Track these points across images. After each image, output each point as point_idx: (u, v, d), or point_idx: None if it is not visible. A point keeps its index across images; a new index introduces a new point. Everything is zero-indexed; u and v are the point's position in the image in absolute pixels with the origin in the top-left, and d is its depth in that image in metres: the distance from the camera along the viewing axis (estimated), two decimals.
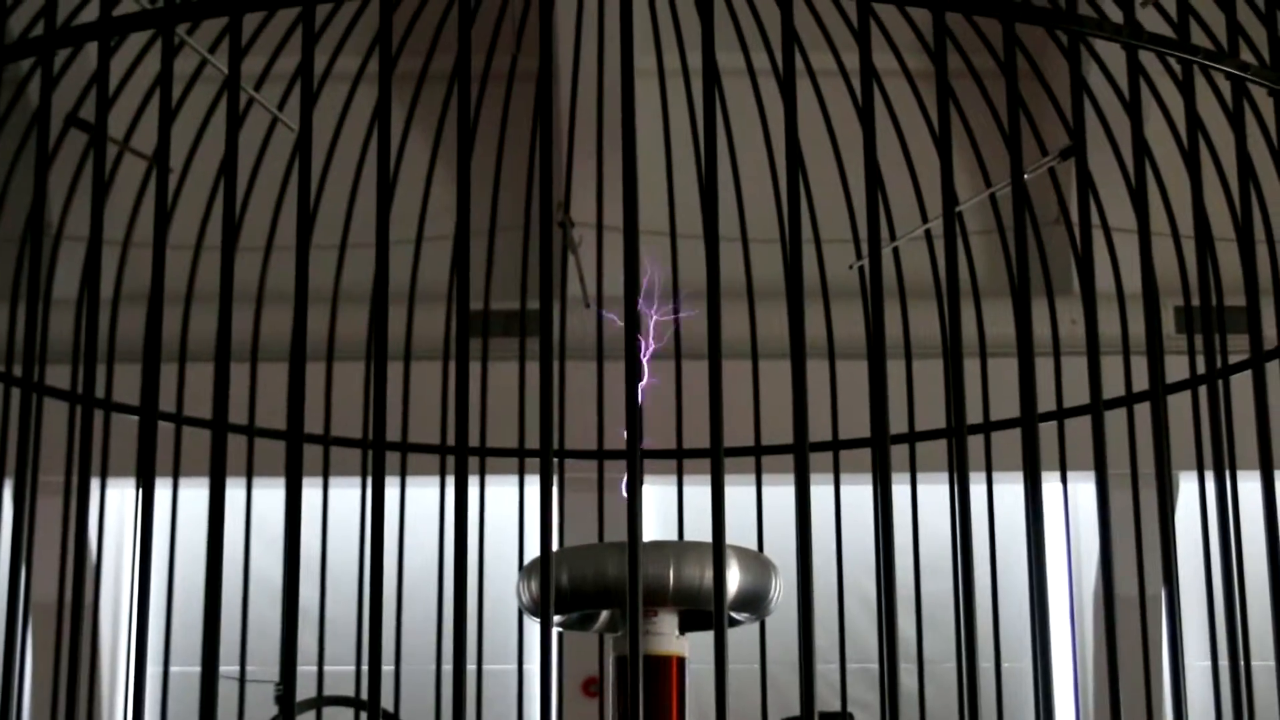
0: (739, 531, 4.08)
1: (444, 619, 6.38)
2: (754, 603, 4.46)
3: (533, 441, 6.64)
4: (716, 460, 3.17)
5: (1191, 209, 3.96)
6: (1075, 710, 6.92)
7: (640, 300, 3.57)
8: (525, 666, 6.65)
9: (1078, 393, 5.02)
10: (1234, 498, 5.09)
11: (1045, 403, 4.70)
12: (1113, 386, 4.96)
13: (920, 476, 6.33)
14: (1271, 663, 3.86)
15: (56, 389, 5.74)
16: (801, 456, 3.18)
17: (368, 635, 3.15)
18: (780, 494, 4.83)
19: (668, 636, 4.41)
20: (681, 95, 6.74)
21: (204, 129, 6.23)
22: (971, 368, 6.07)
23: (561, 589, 4.34)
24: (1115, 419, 5.23)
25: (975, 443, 6.23)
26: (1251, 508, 4.36)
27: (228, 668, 3.74)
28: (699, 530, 4.20)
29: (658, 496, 9.41)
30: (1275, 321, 5.45)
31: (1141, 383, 5.74)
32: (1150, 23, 3.84)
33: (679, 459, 6.70)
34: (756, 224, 6.78)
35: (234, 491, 4.01)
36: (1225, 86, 4.08)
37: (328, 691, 6.27)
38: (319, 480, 6.33)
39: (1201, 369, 5.68)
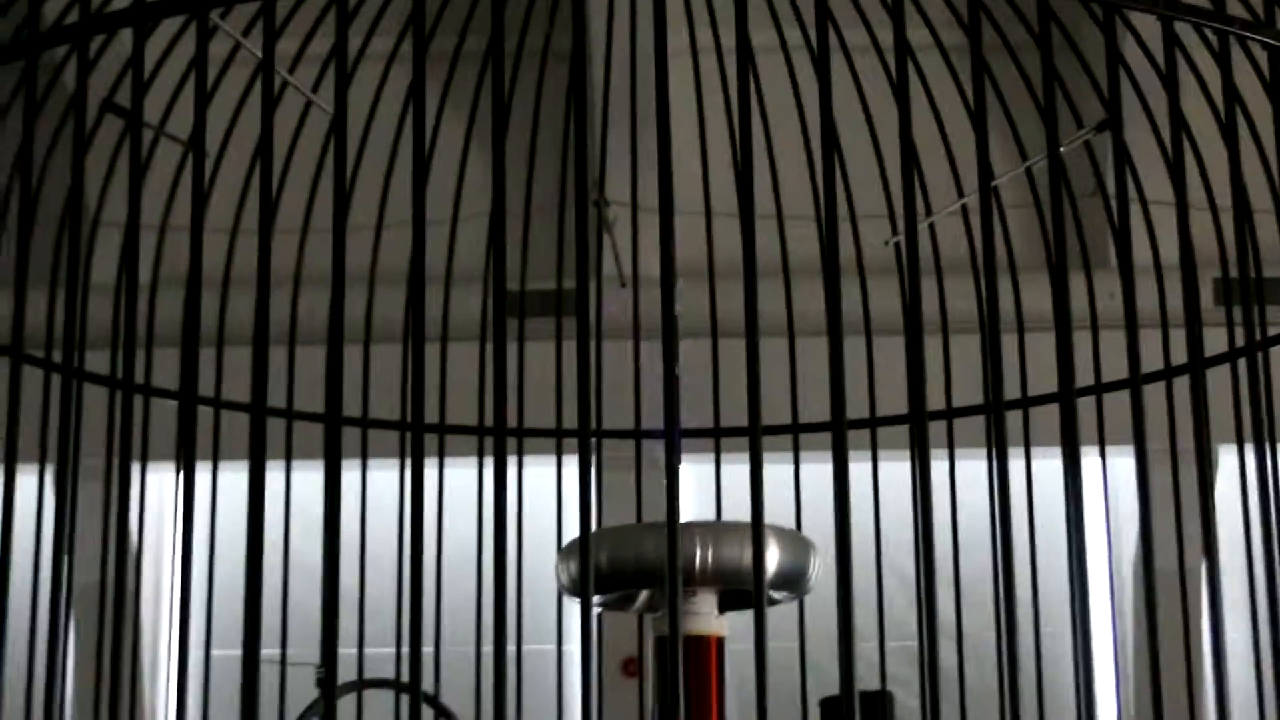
0: (777, 510, 4.07)
1: (483, 601, 6.40)
2: (793, 582, 4.46)
3: (570, 422, 6.65)
4: (754, 439, 3.17)
5: (1229, 181, 3.94)
6: (1116, 685, 6.91)
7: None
8: (565, 647, 6.66)
9: (1116, 367, 4.99)
10: (1275, 470, 5.07)
11: (1084, 377, 4.69)
12: (1151, 360, 4.94)
13: (958, 453, 6.31)
14: None
15: (96, 374, 5.76)
16: (839, 434, 3.18)
17: (408, 617, 3.16)
18: (818, 472, 4.82)
19: (707, 616, 4.41)
20: (715, 73, 6.72)
21: (239, 112, 6.24)
22: (1009, 343, 6.07)
23: (600, 569, 4.35)
24: (1154, 393, 5.21)
25: (1014, 418, 6.22)
26: None
27: (269, 651, 3.76)
28: (737, 509, 4.20)
29: (695, 476, 9.41)
30: None
31: (1180, 356, 5.72)
32: None
33: (716, 438, 6.69)
34: (791, 201, 6.76)
35: (273, 475, 4.02)
36: (1262, 57, 4.06)
37: (368, 674, 6.29)
38: (358, 463, 6.34)
39: (1240, 341, 5.65)
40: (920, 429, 3.26)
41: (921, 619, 3.10)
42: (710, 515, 6.45)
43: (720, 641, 4.44)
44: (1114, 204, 3.58)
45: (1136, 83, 5.96)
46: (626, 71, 6.81)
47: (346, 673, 5.60)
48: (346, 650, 4.45)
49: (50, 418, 5.42)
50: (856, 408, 4.89)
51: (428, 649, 5.08)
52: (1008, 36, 6.14)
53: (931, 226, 6.60)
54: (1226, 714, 3.46)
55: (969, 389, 6.11)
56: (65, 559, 4.08)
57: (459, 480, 6.58)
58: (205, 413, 6.15)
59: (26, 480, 5.47)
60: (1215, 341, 5.30)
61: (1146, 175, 6.23)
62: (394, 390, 6.51)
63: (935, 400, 6.30)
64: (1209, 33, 4.48)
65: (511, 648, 6.34)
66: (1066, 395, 3.32)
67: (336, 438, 3.26)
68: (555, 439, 6.78)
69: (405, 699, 6.28)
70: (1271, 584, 3.88)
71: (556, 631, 6.66)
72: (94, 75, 4.02)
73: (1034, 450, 6.12)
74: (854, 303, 6.05)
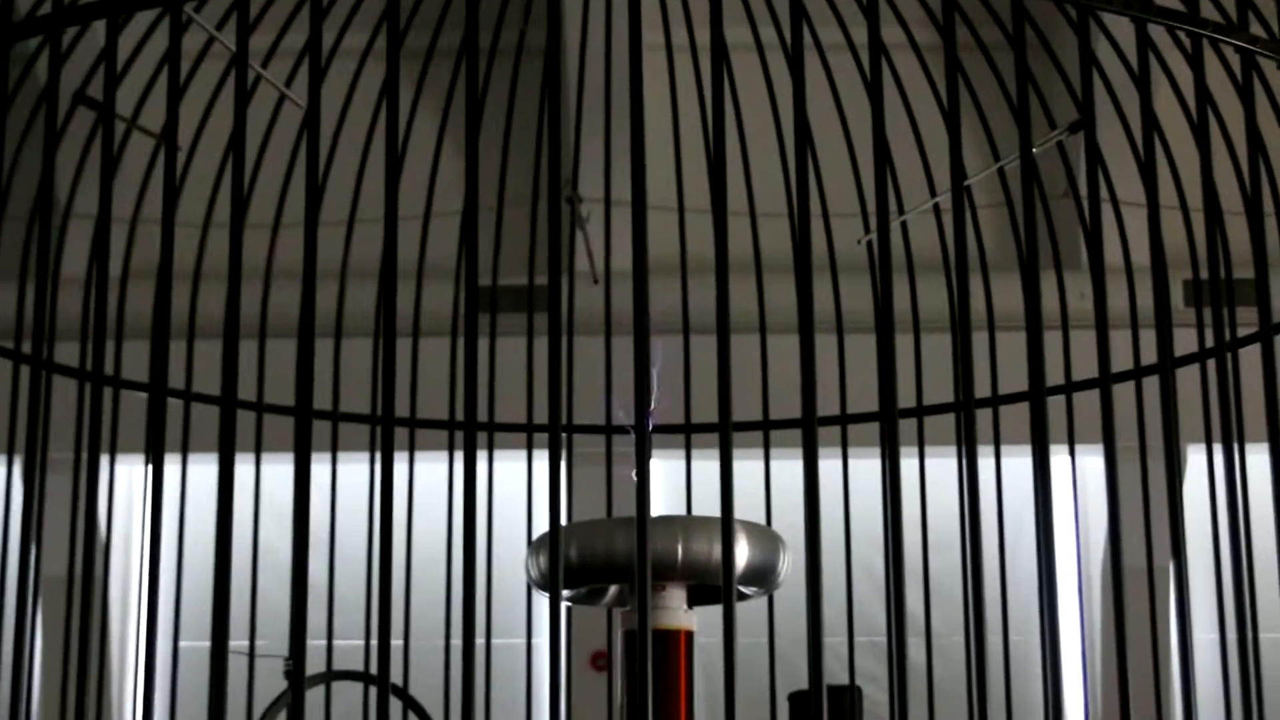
0: (747, 506, 4.08)
1: (453, 594, 6.40)
2: (762, 577, 4.47)
3: (541, 416, 6.65)
4: (725, 434, 3.18)
5: (1200, 182, 3.96)
6: (1083, 682, 6.93)
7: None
8: (534, 640, 6.66)
9: (1086, 366, 5.02)
10: (1243, 470, 5.09)
11: (1054, 376, 4.70)
12: (1121, 360, 4.95)
13: (928, 450, 6.33)
14: (1279, 635, 3.87)
15: (66, 366, 5.75)
16: (809, 431, 3.19)
17: (377, 610, 3.16)
18: (788, 468, 4.83)
19: (676, 611, 4.42)
20: (689, 69, 6.73)
21: (212, 106, 6.23)
22: (980, 341, 6.10)
23: (570, 564, 4.35)
24: (1124, 392, 5.22)
25: (984, 416, 6.24)
26: (1259, 480, 4.36)
27: (237, 643, 3.75)
28: (707, 505, 4.20)
29: (665, 471, 9.43)
30: None
31: (1150, 356, 5.74)
32: None
33: (687, 434, 6.69)
34: (764, 198, 6.77)
35: (243, 467, 4.02)
36: (1235, 60, 4.08)
37: (337, 666, 6.28)
38: (328, 456, 6.33)
39: (1210, 342, 5.67)
40: (890, 426, 3.27)
41: (890, 614, 3.10)
42: (680, 510, 6.46)
43: (689, 636, 4.45)
44: (1086, 204, 3.60)
45: (1109, 84, 5.98)
46: (601, 68, 6.81)
47: (315, 665, 5.59)
48: (315, 642, 4.45)
49: (19, 409, 5.40)
50: (827, 405, 4.91)
51: (396, 642, 5.09)
52: (982, 36, 6.15)
53: (904, 225, 6.61)
54: (1193, 712, 3.47)
55: (940, 387, 6.13)
56: (33, 550, 4.07)
57: (429, 474, 6.58)
58: (175, 405, 6.14)
59: None
60: (1185, 342, 5.32)
61: (1118, 176, 6.24)
62: (365, 384, 6.51)
63: (906, 398, 6.31)
64: (1182, 35, 4.50)
65: (480, 641, 6.35)
66: (1037, 394, 3.33)
67: (307, 431, 3.26)
68: (525, 434, 6.78)
69: (373, 691, 6.27)
70: (1239, 583, 3.90)
71: (525, 625, 6.66)
72: (66, 67, 4.01)
73: (1004, 449, 6.13)
74: (826, 300, 6.04)
